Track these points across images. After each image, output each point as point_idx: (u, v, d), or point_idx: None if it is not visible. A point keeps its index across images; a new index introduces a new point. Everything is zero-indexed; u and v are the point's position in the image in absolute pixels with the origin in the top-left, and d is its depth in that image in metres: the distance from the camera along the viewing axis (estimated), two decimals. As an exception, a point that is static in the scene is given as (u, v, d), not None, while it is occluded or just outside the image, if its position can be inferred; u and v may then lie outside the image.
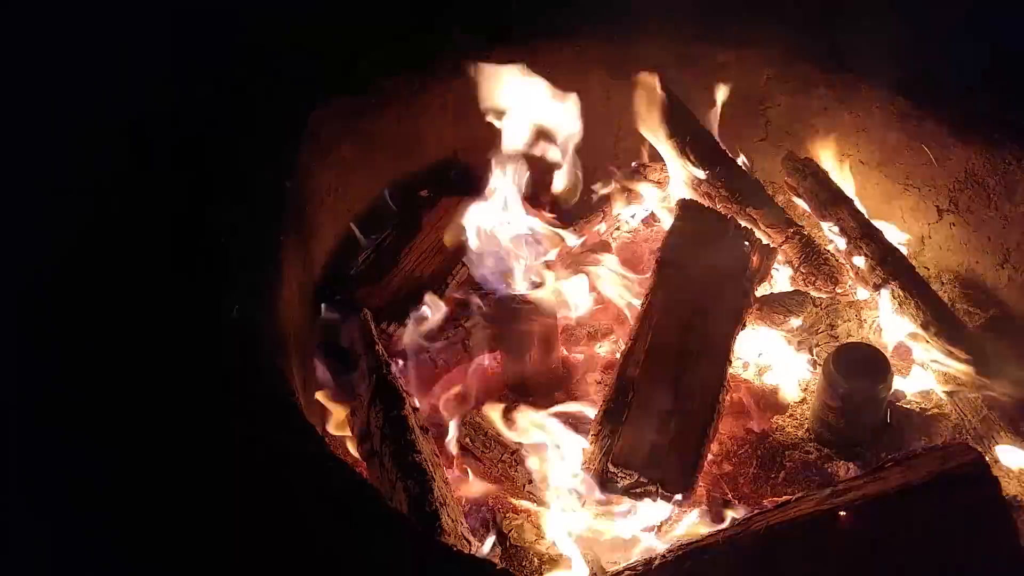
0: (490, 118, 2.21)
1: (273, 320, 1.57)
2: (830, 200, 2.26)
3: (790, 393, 2.05)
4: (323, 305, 1.98)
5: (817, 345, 2.09)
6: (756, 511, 1.43)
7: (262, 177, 1.77)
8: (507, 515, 1.74)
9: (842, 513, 1.24)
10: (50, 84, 1.90)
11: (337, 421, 1.81)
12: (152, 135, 1.86)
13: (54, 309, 1.45)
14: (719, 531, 1.43)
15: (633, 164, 2.55)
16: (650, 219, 2.52)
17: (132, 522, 1.19)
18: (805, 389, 2.06)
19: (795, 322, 2.08)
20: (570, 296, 2.10)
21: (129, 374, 1.36)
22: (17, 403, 1.30)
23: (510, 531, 1.70)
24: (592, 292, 2.21)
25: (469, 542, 1.56)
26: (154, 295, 1.49)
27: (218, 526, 1.17)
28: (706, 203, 2.30)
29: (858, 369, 1.76)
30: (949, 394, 1.87)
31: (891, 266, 2.05)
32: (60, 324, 1.43)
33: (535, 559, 1.66)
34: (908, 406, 1.96)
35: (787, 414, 2.01)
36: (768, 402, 2.03)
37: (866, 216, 2.22)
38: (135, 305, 1.47)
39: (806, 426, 1.95)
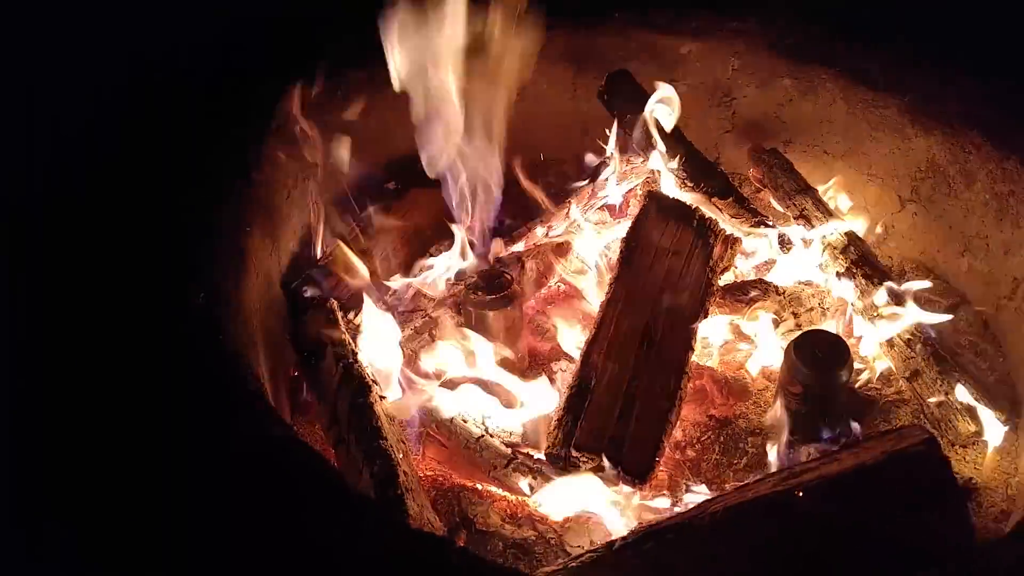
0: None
1: (239, 309, 1.56)
2: (795, 190, 2.30)
3: (753, 380, 2.07)
4: (290, 295, 1.97)
5: (781, 333, 2.12)
6: (716, 495, 1.45)
7: (229, 167, 1.76)
8: (473, 500, 1.75)
9: (798, 493, 1.26)
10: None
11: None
12: (116, 125, 1.84)
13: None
14: (679, 514, 1.45)
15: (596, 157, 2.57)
16: (616, 210, 2.53)
17: (91, 513, 1.18)
18: (768, 376, 2.09)
19: (760, 312, 2.12)
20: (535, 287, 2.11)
21: (90, 362, 1.34)
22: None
23: (475, 516, 1.71)
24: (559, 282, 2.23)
25: (434, 527, 1.57)
26: (116, 283, 1.48)
27: (181, 513, 1.16)
28: (672, 194, 2.33)
29: (818, 356, 1.79)
30: (908, 379, 1.90)
31: (853, 254, 2.09)
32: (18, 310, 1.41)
33: (500, 543, 1.67)
34: (869, 392, 2.00)
35: (750, 401, 2.03)
36: (731, 389, 2.05)
37: (829, 207, 2.26)
38: (97, 293, 1.46)
39: (769, 413, 1.98)
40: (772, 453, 1.83)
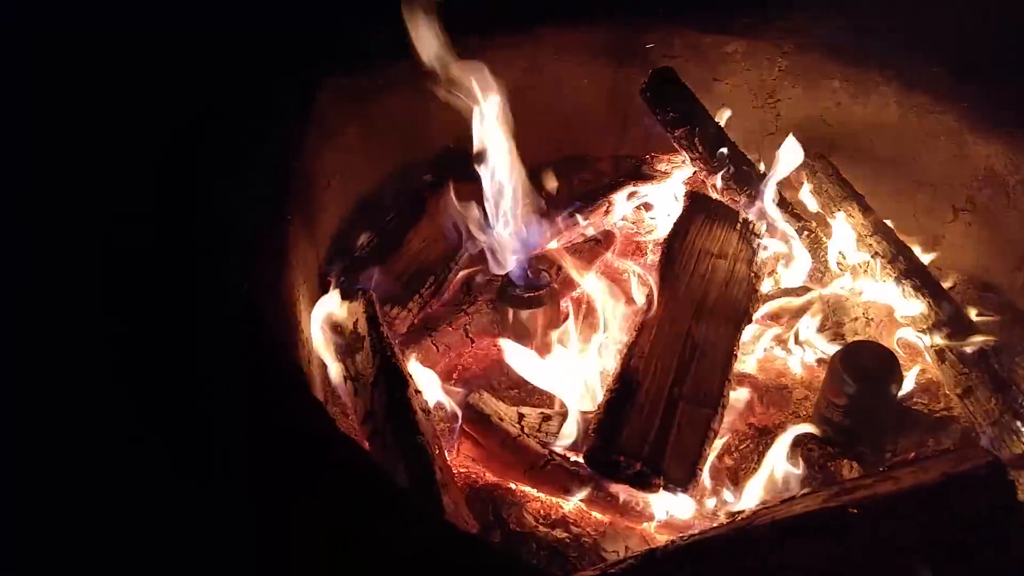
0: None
1: (280, 299, 1.55)
2: (840, 196, 2.24)
3: (794, 389, 2.02)
4: (328, 286, 1.95)
5: (825, 342, 2.07)
6: (761, 506, 1.40)
7: (270, 156, 1.74)
8: (507, 499, 1.72)
9: (853, 511, 1.22)
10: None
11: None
12: (157, 113, 1.83)
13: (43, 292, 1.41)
14: (723, 524, 1.41)
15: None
16: (655, 210, 2.48)
17: (134, 502, 1.17)
18: (809, 386, 2.04)
19: (803, 318, 2.07)
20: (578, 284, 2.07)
21: (134, 352, 1.33)
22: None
23: (509, 516, 1.68)
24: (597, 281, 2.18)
25: (469, 525, 1.55)
26: (157, 271, 1.46)
27: (226, 502, 1.14)
28: (714, 195, 2.28)
29: (867, 369, 1.74)
30: (960, 396, 1.84)
31: (903, 264, 2.03)
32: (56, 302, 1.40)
33: (534, 544, 1.64)
34: (915, 407, 1.94)
35: (790, 411, 1.99)
36: (771, 398, 2.00)
37: (877, 214, 2.20)
38: (138, 283, 1.44)
39: (809, 423, 1.93)
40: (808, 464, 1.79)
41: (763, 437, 1.91)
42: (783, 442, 1.74)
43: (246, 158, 1.74)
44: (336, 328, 1.85)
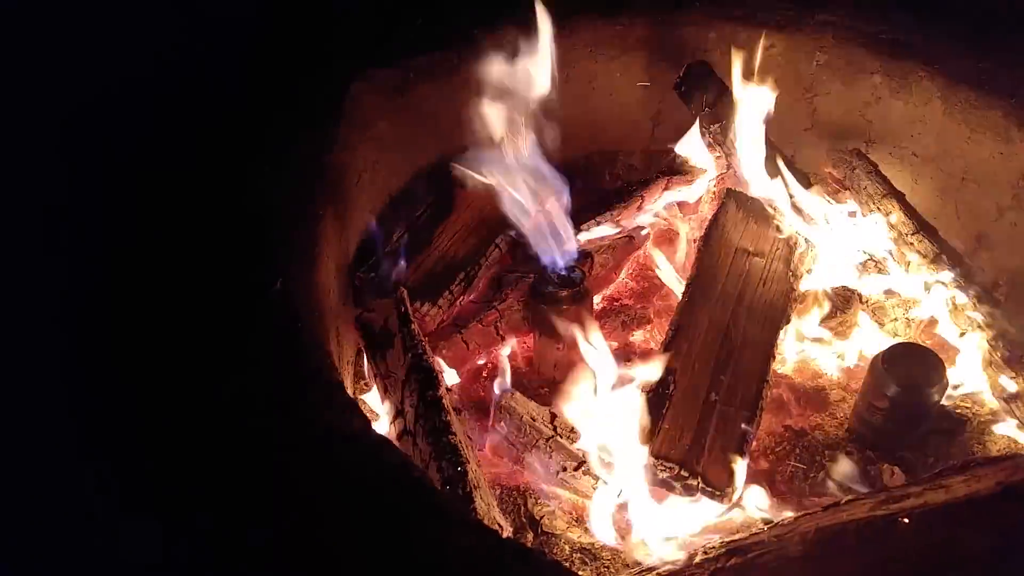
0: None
1: (314, 296, 1.53)
2: (880, 193, 2.18)
3: (830, 391, 1.98)
4: (357, 282, 1.94)
5: (864, 343, 2.02)
6: (803, 512, 1.37)
7: (302, 149, 1.72)
8: (539, 501, 1.70)
9: (904, 519, 1.18)
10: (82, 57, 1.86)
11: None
12: (189, 105, 1.82)
13: (97, 294, 1.41)
14: (763, 530, 1.37)
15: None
16: (689, 207, 2.44)
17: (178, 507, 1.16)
18: (845, 387, 1.99)
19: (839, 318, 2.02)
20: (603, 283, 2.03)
21: (172, 353, 1.32)
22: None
23: (541, 518, 1.66)
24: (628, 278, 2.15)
25: (502, 527, 1.53)
26: (193, 270, 1.46)
27: (266, 505, 1.13)
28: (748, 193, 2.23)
29: (910, 371, 1.69)
30: (1005, 400, 1.79)
31: (946, 264, 1.97)
32: (103, 305, 1.39)
33: (566, 547, 1.62)
34: (958, 411, 1.89)
35: (827, 412, 1.94)
36: (808, 399, 1.96)
37: (918, 212, 2.14)
38: (175, 282, 1.43)
39: (847, 425, 1.89)
40: (846, 467, 1.75)
41: (799, 439, 1.87)
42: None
43: (281, 153, 1.73)
44: (366, 323, 1.84)
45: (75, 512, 1.14)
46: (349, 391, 1.66)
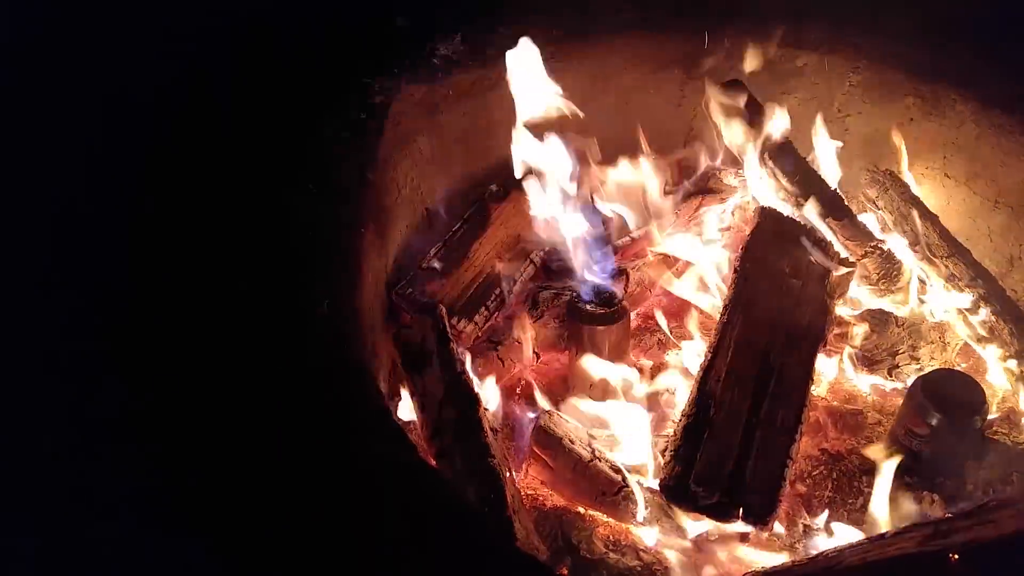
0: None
1: (357, 316, 1.54)
2: (913, 215, 2.17)
3: (867, 413, 1.98)
4: (394, 298, 1.94)
5: (896, 367, 2.02)
6: (850, 544, 1.37)
7: (346, 167, 1.73)
8: (575, 524, 1.70)
9: (954, 557, 1.17)
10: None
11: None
12: (231, 118, 1.83)
13: (133, 309, 1.42)
14: (808, 560, 1.37)
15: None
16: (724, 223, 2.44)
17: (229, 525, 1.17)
18: (881, 410, 1.99)
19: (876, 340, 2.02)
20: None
21: (217, 374, 1.32)
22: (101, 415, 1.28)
23: (580, 542, 1.66)
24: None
25: (539, 552, 1.53)
26: (237, 289, 1.46)
27: (311, 533, 1.14)
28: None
29: (952, 399, 1.68)
30: (1045, 427, 1.79)
31: (981, 288, 1.97)
32: (140, 322, 1.40)
33: (604, 572, 1.62)
34: (996, 436, 1.88)
35: (863, 436, 1.94)
36: (845, 423, 1.96)
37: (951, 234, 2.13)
38: (218, 300, 1.44)
39: (884, 451, 1.88)
40: (882, 492, 1.74)
41: (836, 463, 1.86)
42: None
43: (321, 169, 1.74)
44: (404, 342, 1.84)
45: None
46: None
